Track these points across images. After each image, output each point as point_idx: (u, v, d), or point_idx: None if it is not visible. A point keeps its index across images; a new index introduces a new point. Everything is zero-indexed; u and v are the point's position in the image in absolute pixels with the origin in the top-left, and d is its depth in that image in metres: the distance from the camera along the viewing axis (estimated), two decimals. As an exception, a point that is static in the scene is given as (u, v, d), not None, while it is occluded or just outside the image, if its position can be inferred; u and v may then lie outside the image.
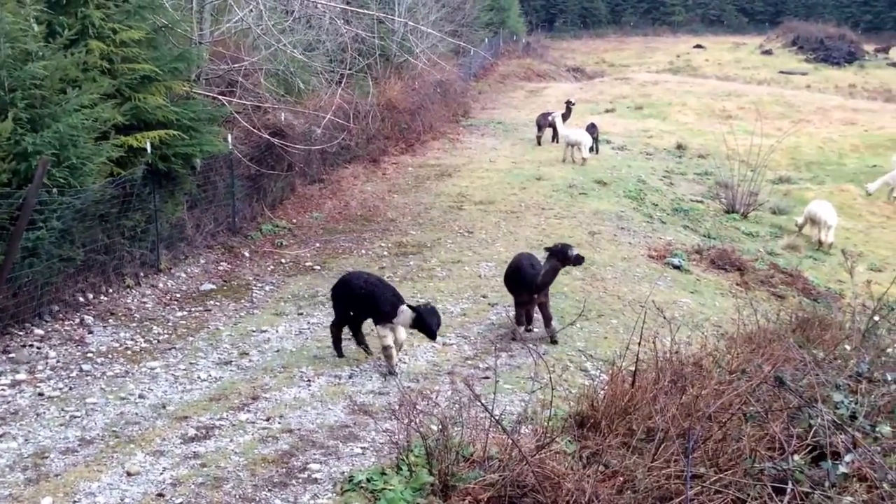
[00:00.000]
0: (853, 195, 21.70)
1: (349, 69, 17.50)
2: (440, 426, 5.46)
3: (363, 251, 13.74)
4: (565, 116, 23.82)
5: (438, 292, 11.55)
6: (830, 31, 69.55)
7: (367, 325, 9.03)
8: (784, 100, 36.66)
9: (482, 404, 5.32)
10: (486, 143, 24.32)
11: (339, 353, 9.12)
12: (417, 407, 5.62)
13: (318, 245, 14.08)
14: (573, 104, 25.36)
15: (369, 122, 19.91)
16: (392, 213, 16.07)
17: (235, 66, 14.83)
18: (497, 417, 5.35)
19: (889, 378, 6.65)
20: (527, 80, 42.82)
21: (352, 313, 9.00)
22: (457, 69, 30.47)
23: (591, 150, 21.71)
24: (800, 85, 49.40)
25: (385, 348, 8.61)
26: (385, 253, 13.63)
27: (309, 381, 8.46)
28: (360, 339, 9.17)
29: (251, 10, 14.29)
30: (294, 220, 15.30)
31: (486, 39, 41.62)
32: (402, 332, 8.65)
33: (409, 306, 8.32)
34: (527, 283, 9.56)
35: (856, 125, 31.24)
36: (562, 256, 9.43)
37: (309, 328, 10.26)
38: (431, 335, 8.43)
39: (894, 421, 6.09)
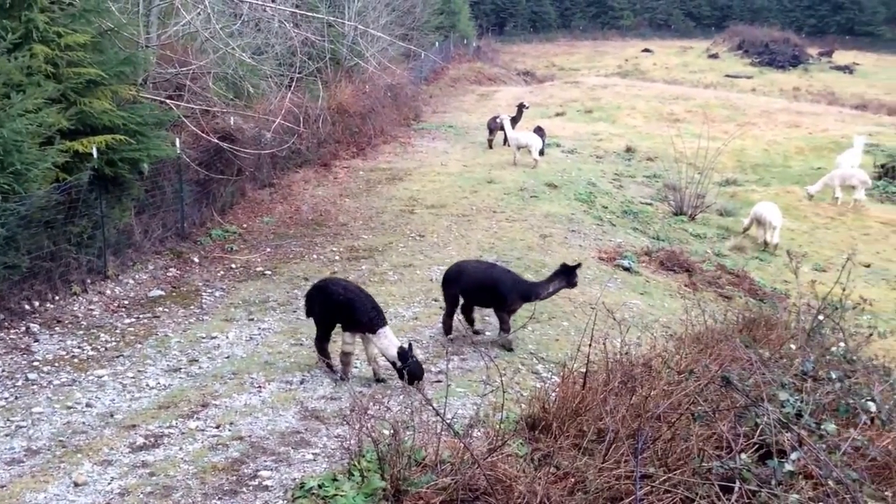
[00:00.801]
0: (798, 197, 22.20)
1: (299, 73, 17.40)
2: (392, 431, 5.46)
3: (315, 256, 13.65)
4: (515, 119, 23.89)
5: (390, 296, 11.53)
6: (775, 35, 71.23)
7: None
8: (730, 103, 37.36)
9: (434, 408, 5.32)
10: (438, 146, 24.35)
11: (329, 364, 8.91)
12: (369, 412, 5.61)
13: (269, 250, 13.95)
14: (526, 107, 25.47)
15: (320, 126, 19.79)
16: (343, 218, 15.99)
17: (183, 69, 14.64)
18: (449, 421, 5.36)
19: (833, 376, 6.80)
20: (477, 83, 42.99)
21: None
22: (408, 73, 30.46)
23: (539, 152, 21.87)
24: (745, 88, 50.42)
25: (346, 354, 8.54)
26: (337, 257, 13.56)
27: (260, 387, 8.38)
28: (325, 350, 8.97)
29: (199, 14, 14.14)
30: (244, 225, 15.14)
31: (437, 43, 41.68)
32: (374, 349, 8.53)
33: (400, 352, 8.18)
34: (523, 293, 9.66)
35: (800, 128, 31.96)
36: (570, 279, 9.66)
37: (260, 334, 10.17)
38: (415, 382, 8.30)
39: (839, 418, 6.24)
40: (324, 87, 20.09)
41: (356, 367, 9.00)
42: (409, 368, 8.12)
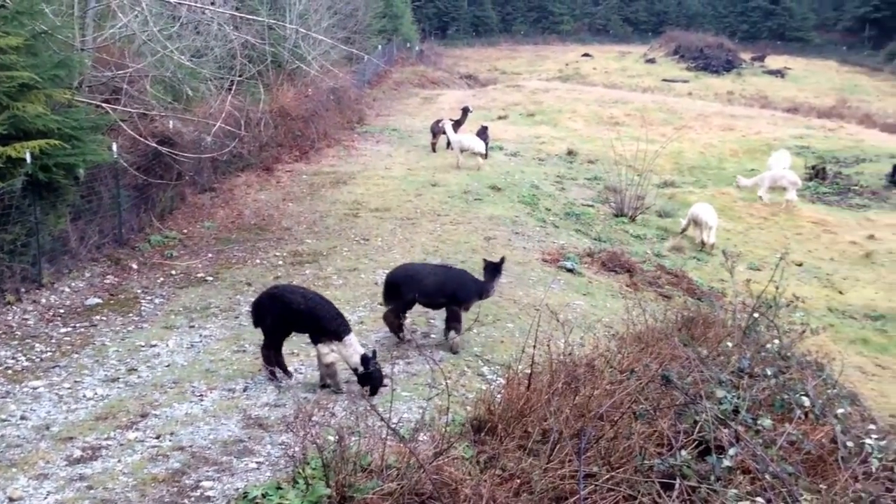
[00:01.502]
0: (733, 198, 22.73)
1: (239, 76, 17.18)
2: (337, 437, 5.42)
3: (258, 261, 13.50)
4: (459, 122, 24.00)
5: (335, 301, 11.38)
6: (709, 40, 73.00)
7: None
8: (667, 107, 38.08)
9: (378, 413, 5.31)
10: (382, 149, 24.31)
11: (286, 372, 8.72)
12: (314, 418, 5.56)
13: (210, 255, 13.75)
14: (470, 111, 25.60)
15: (262, 130, 19.60)
16: (287, 222, 15.85)
17: (120, 72, 14.35)
18: (394, 426, 5.35)
19: (769, 373, 7.00)
20: (421, 87, 43.07)
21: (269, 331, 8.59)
22: (351, 76, 30.35)
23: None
24: (682, 92, 51.49)
25: (328, 365, 8.28)
26: (280, 262, 13.44)
27: (201, 395, 8.25)
28: (280, 359, 8.73)
29: (136, 16, 13.87)
30: (185, 231, 14.89)
31: (380, 46, 41.64)
32: (333, 356, 8.31)
33: (363, 358, 8.05)
34: (479, 292, 9.99)
35: (734, 131, 32.76)
36: (501, 271, 10.15)
37: (201, 341, 10.01)
38: (374, 392, 8.14)
39: (774, 414, 6.41)
40: (265, 90, 19.89)
41: (300, 374, 8.93)
42: (369, 376, 8.00)
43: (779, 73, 64.44)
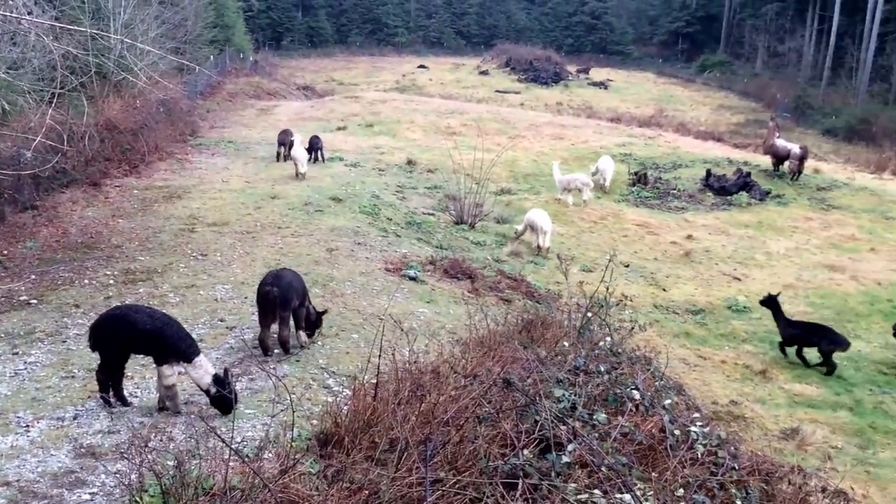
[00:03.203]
0: (565, 203, 23.69)
1: (61, 88, 16.22)
2: (176, 462, 5.23)
3: (86, 281, 12.79)
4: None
5: (172, 320, 11.03)
6: (538, 53, 76.31)
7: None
8: (501, 117, 39.25)
9: (217, 434, 5.17)
10: (218, 162, 23.67)
11: (123, 401, 8.22)
12: (150, 443, 5.34)
13: (33, 277, 12.90)
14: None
15: (87, 144, 18.58)
16: (117, 239, 15.11)
17: (-76, 84, 13.23)
18: (237, 445, 5.24)
19: (602, 369, 7.39)
20: (257, 98, 42.30)
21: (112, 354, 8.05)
22: (182, 87, 29.39)
23: (316, 160, 23.28)
24: (514, 103, 53.27)
25: (169, 388, 7.91)
26: (111, 281, 12.79)
27: (27, 426, 7.74)
28: (119, 388, 8.23)
29: (-58, 24, 12.84)
30: (4, 252, 13.91)
31: (212, 57, 40.56)
32: (175, 378, 7.92)
33: (215, 378, 7.75)
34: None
35: (563, 139, 34.20)
36: None
37: (26, 368, 9.37)
38: (227, 412, 7.81)
39: (608, 408, 6.76)
40: (89, 102, 18.87)
41: (136, 397, 8.54)
42: (222, 397, 7.69)
43: (602, 85, 68.12)
